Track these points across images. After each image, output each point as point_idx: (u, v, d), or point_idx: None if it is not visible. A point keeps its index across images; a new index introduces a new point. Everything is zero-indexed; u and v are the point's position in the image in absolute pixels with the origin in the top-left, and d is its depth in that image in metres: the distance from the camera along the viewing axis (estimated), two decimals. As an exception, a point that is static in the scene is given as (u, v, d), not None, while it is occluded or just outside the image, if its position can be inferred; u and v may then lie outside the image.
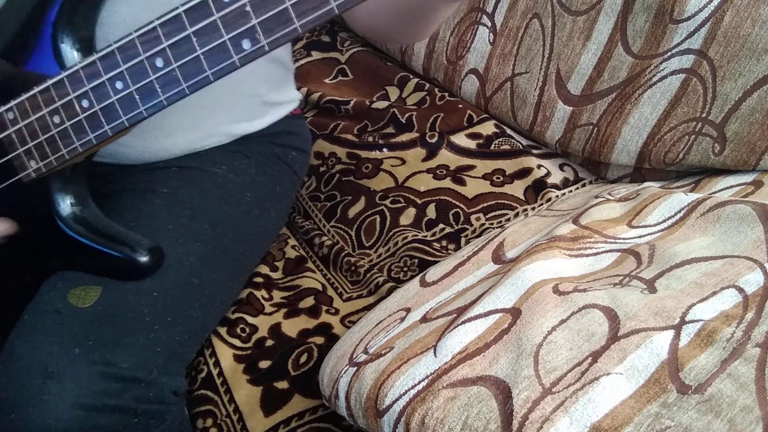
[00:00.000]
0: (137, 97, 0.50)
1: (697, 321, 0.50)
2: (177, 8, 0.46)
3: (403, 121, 1.01)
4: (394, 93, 1.08)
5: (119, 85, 0.50)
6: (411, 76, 1.08)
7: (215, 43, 0.46)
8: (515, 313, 0.55)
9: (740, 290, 0.52)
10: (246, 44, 0.45)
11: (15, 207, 0.61)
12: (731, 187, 0.72)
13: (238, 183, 0.76)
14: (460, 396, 0.50)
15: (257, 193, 0.78)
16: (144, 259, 0.60)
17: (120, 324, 0.60)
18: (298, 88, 1.08)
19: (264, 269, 0.84)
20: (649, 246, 0.62)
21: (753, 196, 0.68)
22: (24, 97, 0.54)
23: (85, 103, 0.51)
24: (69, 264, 0.62)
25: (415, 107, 1.03)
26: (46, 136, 0.54)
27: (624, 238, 0.66)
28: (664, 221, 0.67)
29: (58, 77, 0.52)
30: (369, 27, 0.72)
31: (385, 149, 0.98)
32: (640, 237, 0.65)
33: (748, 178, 0.73)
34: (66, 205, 0.59)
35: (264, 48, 0.45)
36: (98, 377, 0.56)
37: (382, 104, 1.03)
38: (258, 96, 0.80)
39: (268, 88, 0.82)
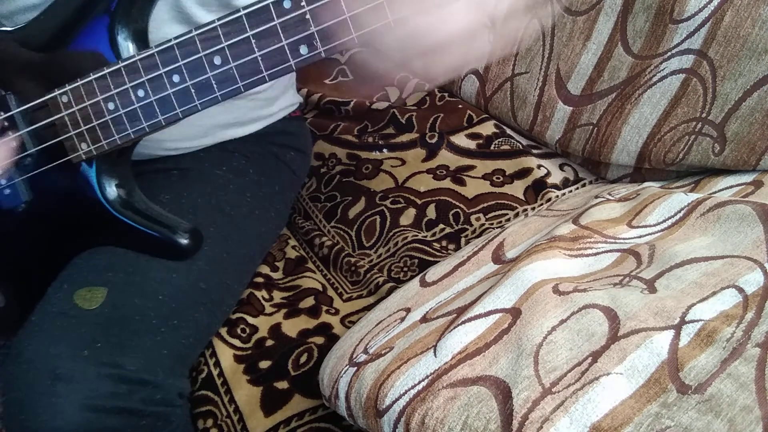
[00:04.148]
0: (193, 91, 0.51)
1: (697, 321, 0.50)
2: (239, 10, 0.47)
3: (403, 122, 1.01)
4: (394, 93, 1.08)
5: (176, 78, 0.51)
6: (411, 77, 1.08)
7: (273, 47, 0.47)
8: (515, 313, 0.55)
9: (740, 290, 0.52)
10: (303, 50, 0.46)
11: (51, 187, 0.63)
12: (731, 187, 0.72)
13: (237, 184, 0.76)
14: (460, 396, 0.50)
15: (257, 193, 0.78)
16: (185, 241, 0.62)
17: (127, 326, 0.60)
18: (299, 89, 1.08)
19: (264, 269, 0.84)
20: (649, 246, 0.62)
21: (753, 196, 0.68)
22: (80, 82, 0.55)
23: (140, 93, 0.53)
24: (108, 241, 0.64)
25: (415, 108, 1.03)
26: (99, 121, 0.56)
27: (624, 238, 0.66)
28: (664, 221, 0.66)
29: (116, 66, 0.53)
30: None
31: (385, 150, 0.98)
32: (640, 237, 0.65)
33: (748, 178, 0.73)
34: (112, 188, 0.61)
35: (320, 54, 0.46)
36: (107, 379, 0.56)
37: (382, 105, 1.03)
38: (261, 98, 0.80)
39: (272, 91, 0.82)
